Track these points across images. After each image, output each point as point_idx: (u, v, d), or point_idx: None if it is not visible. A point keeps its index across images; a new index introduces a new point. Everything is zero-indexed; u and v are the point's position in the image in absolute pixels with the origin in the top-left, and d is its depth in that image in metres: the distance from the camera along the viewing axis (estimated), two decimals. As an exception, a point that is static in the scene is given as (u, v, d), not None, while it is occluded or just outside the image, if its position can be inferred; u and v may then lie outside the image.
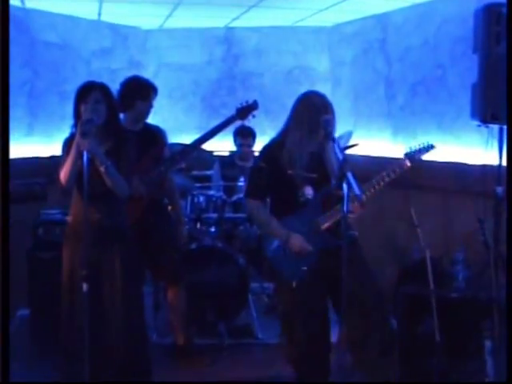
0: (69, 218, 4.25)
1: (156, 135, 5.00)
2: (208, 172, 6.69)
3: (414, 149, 4.05)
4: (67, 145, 4.10)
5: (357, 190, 3.39)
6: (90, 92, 3.98)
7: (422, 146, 4.07)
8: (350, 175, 3.40)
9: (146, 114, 4.97)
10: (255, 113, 5.12)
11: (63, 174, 4.00)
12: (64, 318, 4.15)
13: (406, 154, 4.03)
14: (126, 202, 4.18)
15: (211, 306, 5.59)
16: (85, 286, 3.73)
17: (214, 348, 5.41)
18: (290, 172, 3.92)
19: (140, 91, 4.89)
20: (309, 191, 3.96)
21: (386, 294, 4.47)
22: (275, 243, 4.03)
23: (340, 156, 3.55)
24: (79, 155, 3.82)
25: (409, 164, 4.01)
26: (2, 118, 3.50)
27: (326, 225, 3.94)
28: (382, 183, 3.94)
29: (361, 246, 4.22)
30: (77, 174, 3.91)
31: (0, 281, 3.18)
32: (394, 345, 4.11)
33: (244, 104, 5.06)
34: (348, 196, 3.39)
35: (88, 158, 3.74)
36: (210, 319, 5.60)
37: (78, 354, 3.92)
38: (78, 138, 3.82)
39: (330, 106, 3.94)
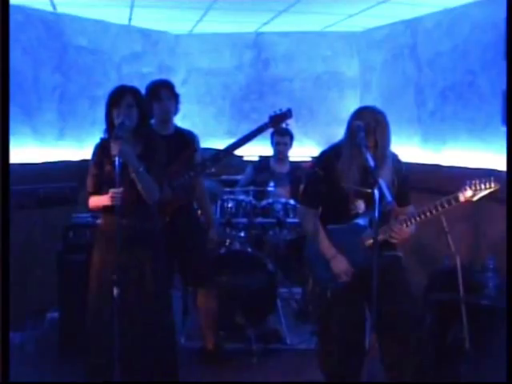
0: (99, 222, 4.28)
1: (188, 140, 4.99)
2: (238, 177, 6.71)
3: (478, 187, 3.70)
4: (98, 150, 4.14)
5: (388, 197, 3.37)
6: (121, 96, 3.99)
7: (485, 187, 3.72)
8: (381, 182, 3.38)
9: (165, 114, 4.92)
10: (289, 121, 5.05)
11: (91, 178, 4.09)
12: (91, 321, 4.16)
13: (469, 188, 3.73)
14: (156, 205, 4.19)
15: (240, 310, 5.58)
16: (115, 291, 3.76)
17: (242, 353, 5.40)
18: (343, 185, 3.86)
19: (152, 92, 4.87)
20: (361, 205, 3.92)
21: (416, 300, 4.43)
22: (317, 246, 4.02)
23: (371, 163, 3.52)
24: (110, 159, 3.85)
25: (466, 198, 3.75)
26: (2, 118, 3.49)
27: (370, 241, 3.87)
28: (434, 211, 3.80)
29: (404, 268, 4.10)
30: (108, 178, 3.94)
31: (0, 281, 3.20)
32: (430, 370, 4.03)
33: (278, 112, 4.98)
34: (380, 203, 3.37)
35: (120, 162, 3.76)
36: (239, 324, 5.58)
37: (105, 357, 3.95)
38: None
39: (378, 117, 3.82)
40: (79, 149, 6.64)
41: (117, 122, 3.93)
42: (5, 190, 3.32)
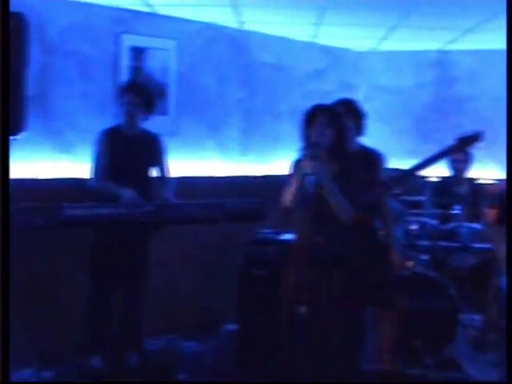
0: (293, 240, 4.28)
1: (373, 158, 4.92)
2: (419, 197, 6.55)
3: None
4: (295, 167, 4.14)
5: None
6: (317, 115, 3.98)
7: None
8: None
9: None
10: (478, 145, 4.87)
11: (288, 196, 4.05)
12: (280, 338, 4.16)
13: None
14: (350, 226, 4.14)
15: (419, 335, 5.43)
16: (304, 309, 3.74)
17: (417, 379, 5.24)
18: None
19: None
20: None
21: None
22: None
23: None
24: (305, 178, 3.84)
25: None
26: (2, 117, 3.52)
27: None
28: None
29: None
30: (302, 197, 3.93)
31: (0, 281, 3.22)
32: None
33: (467, 134, 4.83)
34: None
35: (314, 181, 3.75)
36: (417, 349, 5.43)
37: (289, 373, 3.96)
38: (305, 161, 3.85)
39: None
40: (262, 164, 6.72)
41: (312, 140, 3.92)
42: (5, 189, 3.36)
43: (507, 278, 3.62)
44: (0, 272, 3.19)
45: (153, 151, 5.21)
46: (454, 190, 6.41)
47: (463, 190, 6.38)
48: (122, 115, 5.05)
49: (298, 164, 4.08)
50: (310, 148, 3.85)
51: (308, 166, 3.82)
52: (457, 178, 6.41)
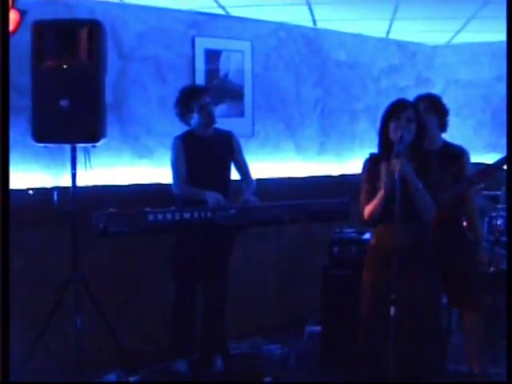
0: (372, 240, 4.21)
1: (456, 154, 4.83)
2: (496, 192, 6.39)
3: None
4: (369, 165, 4.08)
5: None
6: (402, 110, 3.90)
7: None
8: None
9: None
10: None
11: (369, 208, 4.01)
12: (363, 339, 4.09)
13: None
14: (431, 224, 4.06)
15: (505, 333, 5.29)
16: (392, 310, 3.67)
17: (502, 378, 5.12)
18: None
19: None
20: None
21: None
22: None
23: None
24: (391, 176, 3.78)
25: None
26: (2, 118, 3.48)
27: None
28: None
29: None
30: (388, 197, 3.86)
31: (0, 281, 3.18)
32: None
33: None
34: None
35: (400, 178, 3.68)
36: (504, 347, 5.30)
37: (372, 377, 3.94)
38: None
39: None
40: (339, 163, 6.67)
41: (394, 136, 3.85)
42: (5, 191, 3.33)
43: (507, 277, 3.51)
44: (0, 272, 3.21)
45: (229, 149, 5.19)
46: None
47: None
48: (200, 117, 5.03)
49: (370, 161, 4.04)
50: (396, 145, 3.77)
51: (394, 163, 3.75)
52: None
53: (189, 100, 5.03)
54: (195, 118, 5.02)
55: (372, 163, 4.05)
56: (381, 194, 3.89)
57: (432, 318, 4.05)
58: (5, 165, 3.42)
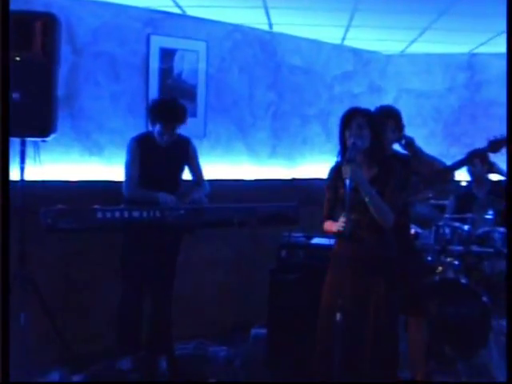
0: (334, 246, 4.24)
1: (404, 162, 4.88)
2: (443, 202, 6.48)
3: None
4: (332, 173, 4.11)
5: None
6: (352, 118, 3.94)
7: None
8: None
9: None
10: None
11: (327, 226, 4.09)
12: (318, 344, 4.10)
13: None
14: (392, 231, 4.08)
15: (450, 341, 5.37)
16: (338, 316, 3.69)
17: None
18: None
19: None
20: None
21: None
22: None
23: None
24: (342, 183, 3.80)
25: None
26: (2, 118, 3.49)
27: None
28: None
29: None
30: (341, 203, 3.89)
31: (0, 281, 3.18)
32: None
33: (498, 137, 4.77)
34: None
35: (351, 185, 3.70)
36: (449, 355, 5.36)
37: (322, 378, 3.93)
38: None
39: None
40: (290, 167, 6.68)
41: (349, 143, 3.87)
42: (4, 191, 3.33)
43: (507, 277, 3.57)
44: (0, 273, 3.17)
45: (185, 156, 5.15)
46: (472, 193, 6.32)
47: (480, 192, 6.27)
48: (159, 131, 4.97)
49: (337, 168, 4.03)
50: (347, 151, 3.80)
51: (344, 170, 3.77)
52: (476, 177, 6.29)
53: (154, 114, 5.00)
54: (156, 128, 4.96)
55: (336, 171, 4.07)
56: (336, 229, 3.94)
57: (385, 327, 4.03)
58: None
